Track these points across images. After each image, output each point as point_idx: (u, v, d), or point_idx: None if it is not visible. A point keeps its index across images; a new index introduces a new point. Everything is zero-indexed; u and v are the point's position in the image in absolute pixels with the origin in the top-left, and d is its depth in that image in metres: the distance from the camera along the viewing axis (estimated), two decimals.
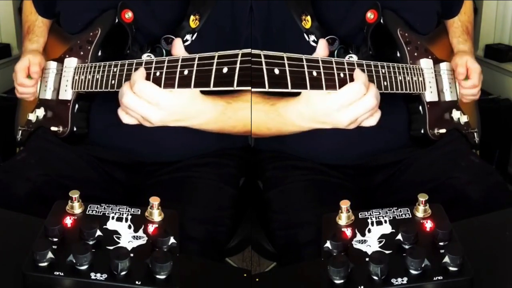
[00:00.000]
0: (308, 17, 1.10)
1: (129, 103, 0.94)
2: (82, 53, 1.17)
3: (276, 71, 0.85)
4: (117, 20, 1.14)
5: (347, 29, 1.15)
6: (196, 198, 1.11)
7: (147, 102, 0.93)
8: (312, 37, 1.10)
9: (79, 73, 1.14)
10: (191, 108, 0.97)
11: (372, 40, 1.14)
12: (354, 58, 1.12)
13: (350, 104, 0.92)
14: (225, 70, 0.86)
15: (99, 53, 1.16)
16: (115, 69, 1.05)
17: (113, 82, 1.05)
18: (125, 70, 1.03)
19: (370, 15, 1.14)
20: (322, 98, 0.92)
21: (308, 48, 1.09)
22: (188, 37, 1.11)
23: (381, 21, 1.15)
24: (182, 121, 0.98)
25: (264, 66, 0.84)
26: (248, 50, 0.85)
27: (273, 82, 0.85)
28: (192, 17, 1.11)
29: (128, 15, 1.13)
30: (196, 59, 0.91)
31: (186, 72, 0.91)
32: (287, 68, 0.86)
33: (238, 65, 0.85)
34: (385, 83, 1.06)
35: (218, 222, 1.12)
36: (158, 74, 0.95)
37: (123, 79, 1.03)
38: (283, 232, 1.11)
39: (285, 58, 0.87)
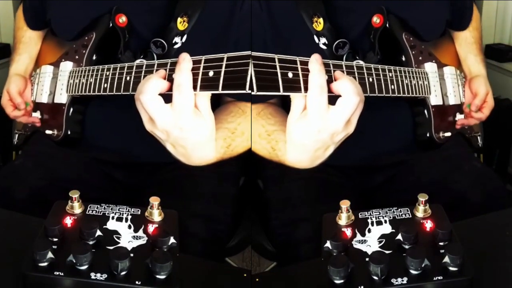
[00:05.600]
0: (320, 19, 1.09)
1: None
2: (77, 57, 1.17)
3: (290, 74, 0.84)
4: (111, 24, 1.14)
5: (355, 34, 1.14)
6: (197, 194, 1.11)
7: None
8: (323, 40, 1.10)
9: (74, 77, 1.14)
10: None
11: (379, 44, 1.13)
12: (361, 63, 1.11)
13: None
14: (211, 73, 0.85)
15: (94, 57, 1.16)
16: (107, 73, 1.06)
17: (105, 85, 1.06)
18: (117, 74, 1.04)
19: (376, 20, 1.14)
20: None
21: (317, 51, 1.09)
22: (177, 39, 1.11)
23: (387, 25, 1.15)
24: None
25: (278, 70, 0.83)
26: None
27: (287, 86, 0.84)
28: (179, 19, 1.10)
29: (122, 19, 1.13)
30: None
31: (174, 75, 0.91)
32: (300, 72, 0.86)
33: (223, 69, 0.84)
34: (392, 86, 1.06)
35: (219, 219, 1.11)
36: None
37: (115, 83, 1.03)
38: (282, 230, 1.11)
39: (298, 62, 0.86)
